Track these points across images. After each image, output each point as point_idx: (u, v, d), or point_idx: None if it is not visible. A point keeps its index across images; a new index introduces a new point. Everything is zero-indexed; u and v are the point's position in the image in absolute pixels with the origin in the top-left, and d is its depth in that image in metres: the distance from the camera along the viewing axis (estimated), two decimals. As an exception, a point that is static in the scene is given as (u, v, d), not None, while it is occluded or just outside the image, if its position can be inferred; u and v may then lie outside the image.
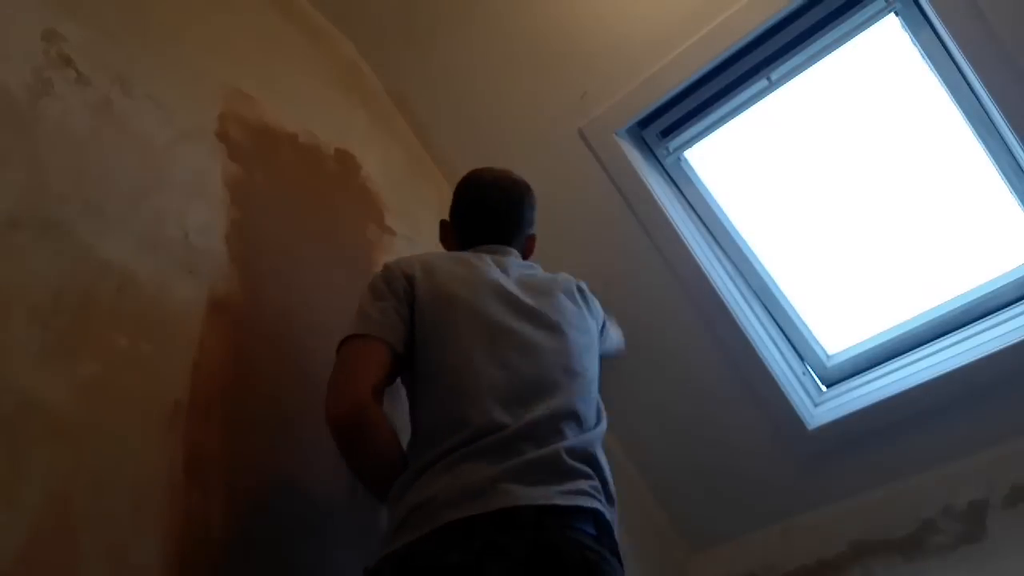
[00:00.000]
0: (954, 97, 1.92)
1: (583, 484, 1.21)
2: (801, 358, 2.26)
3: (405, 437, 1.36)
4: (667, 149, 2.20)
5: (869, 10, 1.90)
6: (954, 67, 1.89)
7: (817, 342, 2.27)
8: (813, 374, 2.27)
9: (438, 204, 2.29)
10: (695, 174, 2.25)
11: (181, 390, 1.31)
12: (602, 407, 1.41)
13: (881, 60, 2.08)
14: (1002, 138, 1.90)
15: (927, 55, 1.91)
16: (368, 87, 2.27)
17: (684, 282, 2.13)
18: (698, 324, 2.15)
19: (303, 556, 1.37)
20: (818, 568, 2.06)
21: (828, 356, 2.28)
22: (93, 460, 1.14)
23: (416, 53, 2.25)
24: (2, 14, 1.30)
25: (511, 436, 1.21)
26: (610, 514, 1.25)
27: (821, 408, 2.17)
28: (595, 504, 1.20)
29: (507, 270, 1.49)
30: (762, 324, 2.20)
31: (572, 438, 1.25)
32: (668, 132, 2.18)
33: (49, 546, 1.05)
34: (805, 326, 2.26)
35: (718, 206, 2.25)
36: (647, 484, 2.31)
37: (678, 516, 2.31)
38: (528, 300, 1.42)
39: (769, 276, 2.26)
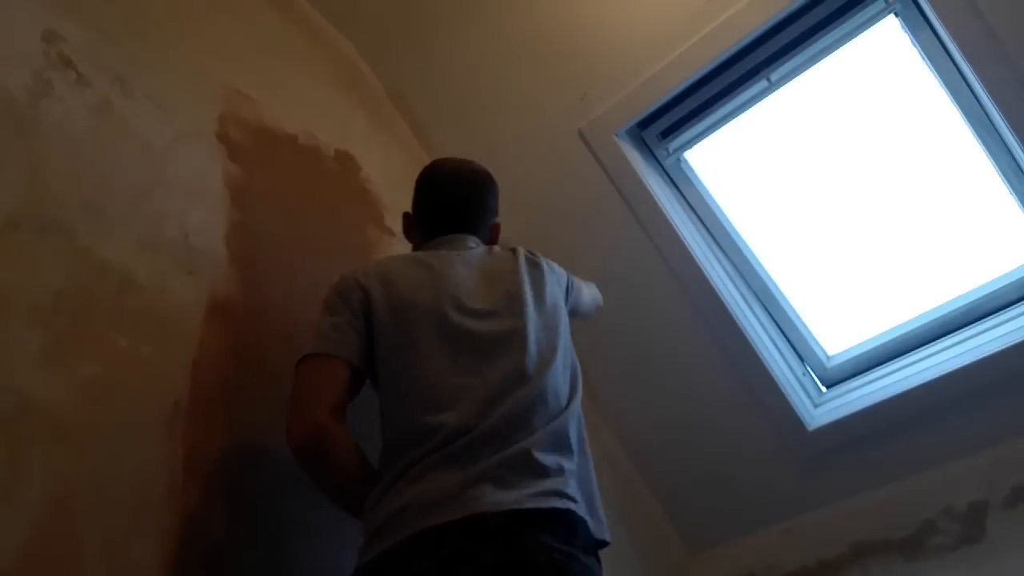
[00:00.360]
0: (954, 98, 1.92)
1: (554, 482, 1.20)
2: (801, 359, 2.26)
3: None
4: (667, 150, 2.20)
5: (869, 11, 1.90)
6: (954, 68, 1.89)
7: (817, 343, 2.27)
8: (813, 375, 2.27)
9: (438, 205, 2.29)
10: (695, 175, 2.25)
11: (181, 391, 1.31)
12: (578, 372, 1.39)
13: (881, 61, 2.08)
14: (1002, 139, 1.90)
15: (927, 56, 1.91)
16: (368, 88, 2.27)
17: (684, 283, 2.13)
18: (697, 324, 2.15)
19: (302, 556, 1.37)
20: (818, 569, 2.06)
21: (828, 357, 2.28)
22: (93, 460, 1.15)
23: (416, 54, 2.25)
24: (2, 15, 1.30)
25: (478, 438, 1.20)
26: (584, 502, 1.24)
27: (821, 409, 2.17)
28: (566, 504, 1.19)
29: (468, 263, 1.46)
30: (762, 325, 2.20)
31: (541, 429, 1.24)
32: (668, 133, 2.18)
33: (49, 546, 1.05)
34: (805, 327, 2.26)
35: (718, 207, 2.25)
36: (647, 485, 2.31)
37: (678, 517, 2.31)
38: (490, 295, 1.39)
39: (769, 277, 2.26)
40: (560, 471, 1.23)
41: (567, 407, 1.32)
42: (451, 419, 1.22)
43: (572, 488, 1.23)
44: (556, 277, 1.56)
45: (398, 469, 1.21)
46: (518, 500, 1.14)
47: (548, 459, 1.22)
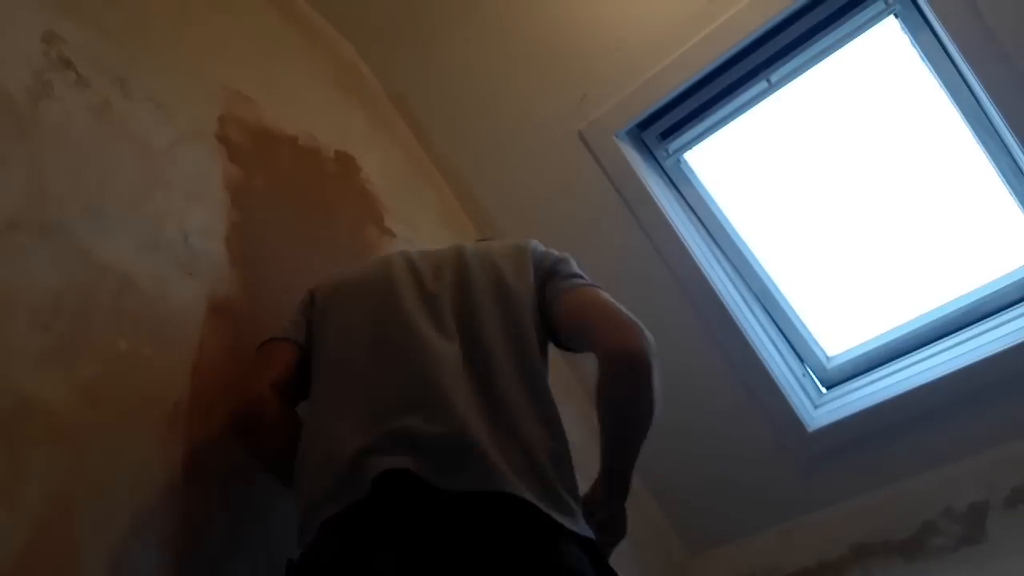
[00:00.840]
0: (953, 98, 1.92)
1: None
2: (801, 360, 2.26)
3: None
4: (667, 151, 2.20)
5: (869, 12, 1.90)
6: (953, 69, 1.89)
7: (817, 344, 2.27)
8: (813, 376, 2.27)
9: (438, 205, 2.29)
10: (695, 176, 2.25)
11: (181, 392, 1.31)
12: (547, 407, 1.19)
13: (881, 62, 2.08)
14: (1001, 139, 1.90)
15: (926, 57, 1.91)
16: (368, 89, 2.27)
17: (684, 283, 2.13)
18: (697, 325, 2.15)
19: (303, 558, 1.37)
20: (819, 570, 2.06)
21: (828, 358, 2.28)
22: (93, 462, 1.15)
23: (416, 55, 2.25)
24: (2, 15, 1.30)
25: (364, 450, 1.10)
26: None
27: (821, 410, 2.17)
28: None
29: (424, 259, 1.39)
30: (762, 326, 2.20)
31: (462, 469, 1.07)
32: (668, 134, 2.18)
33: (49, 547, 1.05)
34: (805, 328, 2.26)
35: (718, 208, 2.25)
36: (647, 486, 2.31)
37: (678, 518, 2.31)
38: (428, 297, 1.30)
39: (769, 277, 2.26)
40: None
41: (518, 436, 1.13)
42: (341, 430, 1.16)
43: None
44: (533, 268, 1.35)
45: (301, 460, 1.22)
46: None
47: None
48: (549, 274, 1.34)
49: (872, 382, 2.14)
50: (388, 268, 1.37)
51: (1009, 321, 1.96)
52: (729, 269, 2.24)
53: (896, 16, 1.89)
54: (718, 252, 2.24)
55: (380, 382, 1.19)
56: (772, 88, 2.06)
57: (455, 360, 1.19)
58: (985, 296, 2.04)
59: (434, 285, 1.32)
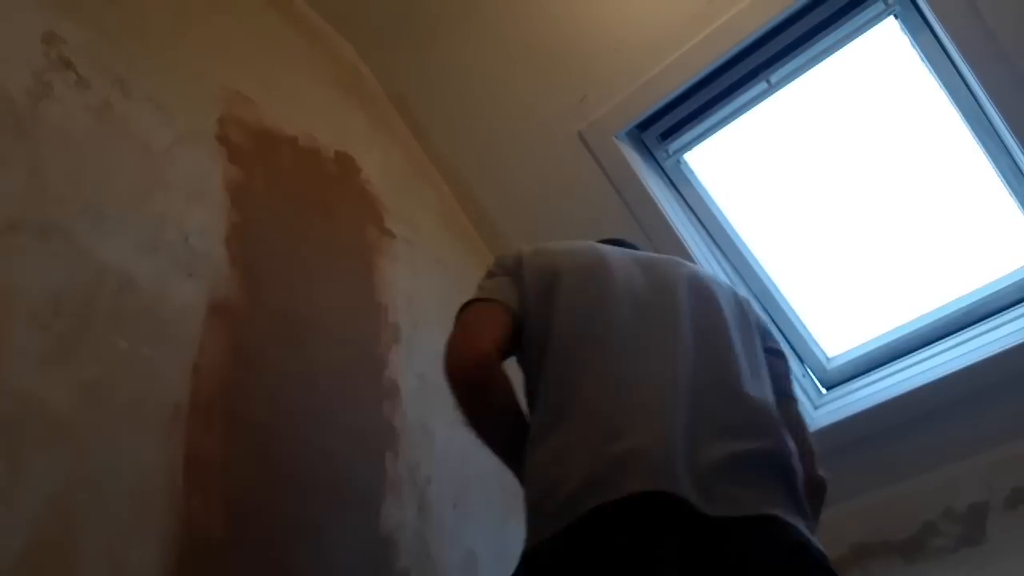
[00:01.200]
0: (953, 99, 1.92)
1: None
2: (801, 360, 2.26)
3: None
4: (667, 152, 2.20)
5: (868, 13, 1.90)
6: (953, 70, 1.89)
7: (817, 344, 2.27)
8: (813, 376, 2.27)
9: (438, 206, 2.29)
10: (695, 177, 2.25)
11: (181, 393, 1.31)
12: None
13: (880, 63, 2.08)
14: (1001, 140, 1.90)
15: (926, 58, 1.91)
16: (368, 89, 2.27)
17: (684, 284, 2.13)
18: (698, 326, 2.15)
19: (302, 558, 1.37)
20: (818, 570, 2.06)
21: (828, 359, 2.28)
22: (93, 463, 1.15)
23: (416, 55, 2.25)
24: (2, 16, 1.30)
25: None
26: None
27: (821, 411, 2.17)
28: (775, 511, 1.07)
29: (633, 254, 1.45)
30: (762, 326, 2.20)
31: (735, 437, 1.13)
32: (668, 135, 2.18)
33: (49, 548, 1.05)
34: (805, 328, 2.26)
35: (718, 208, 2.25)
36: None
37: (678, 518, 2.30)
38: (643, 280, 1.34)
39: (769, 278, 2.26)
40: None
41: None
42: (593, 393, 1.17)
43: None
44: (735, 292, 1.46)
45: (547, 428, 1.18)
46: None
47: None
48: (763, 333, 1.42)
49: (872, 383, 2.14)
50: (605, 260, 1.37)
51: (1009, 322, 1.96)
52: (729, 269, 2.24)
53: (896, 17, 1.90)
54: (718, 252, 2.24)
55: (644, 379, 1.17)
56: (772, 89, 2.06)
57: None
58: (985, 296, 2.04)
59: (662, 292, 1.33)
